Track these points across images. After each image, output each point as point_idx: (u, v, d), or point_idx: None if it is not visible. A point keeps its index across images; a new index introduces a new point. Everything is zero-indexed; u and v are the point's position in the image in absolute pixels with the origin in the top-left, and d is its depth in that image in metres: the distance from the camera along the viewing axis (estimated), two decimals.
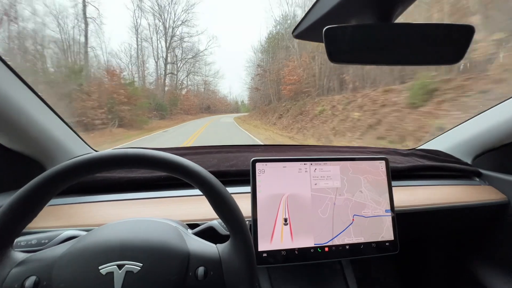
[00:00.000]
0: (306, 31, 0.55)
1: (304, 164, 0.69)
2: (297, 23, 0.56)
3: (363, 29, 0.42)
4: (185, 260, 0.41)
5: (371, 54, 0.43)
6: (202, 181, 0.43)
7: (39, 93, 0.69)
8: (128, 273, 0.38)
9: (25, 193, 0.38)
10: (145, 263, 0.39)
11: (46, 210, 0.70)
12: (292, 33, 0.59)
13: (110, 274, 0.38)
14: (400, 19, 0.44)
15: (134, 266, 0.38)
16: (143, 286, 0.38)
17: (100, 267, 0.38)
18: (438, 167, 0.98)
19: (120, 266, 0.38)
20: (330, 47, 0.42)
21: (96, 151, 0.94)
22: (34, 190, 0.38)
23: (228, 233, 0.58)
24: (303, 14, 0.53)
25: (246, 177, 0.76)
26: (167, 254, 0.41)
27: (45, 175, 0.38)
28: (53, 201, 0.72)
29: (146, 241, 0.41)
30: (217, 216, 0.61)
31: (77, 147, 0.86)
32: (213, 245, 0.46)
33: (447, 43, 0.41)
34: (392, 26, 0.41)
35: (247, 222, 0.46)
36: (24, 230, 0.42)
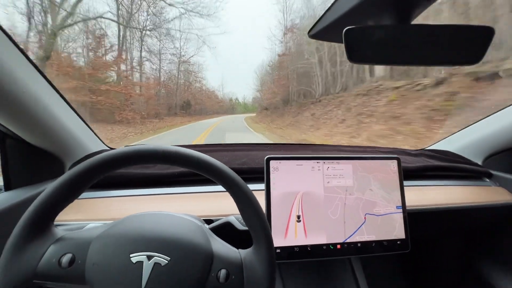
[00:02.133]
0: (323, 31, 0.56)
1: (317, 162, 0.70)
2: (314, 23, 0.57)
3: (382, 30, 0.43)
4: (209, 261, 0.42)
5: (390, 54, 0.44)
6: (235, 187, 0.44)
7: (60, 91, 0.71)
8: (156, 264, 0.39)
9: (71, 176, 0.41)
10: (173, 257, 0.40)
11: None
12: (308, 33, 0.60)
13: (140, 263, 0.39)
14: (418, 20, 0.45)
15: (162, 258, 0.40)
16: (168, 279, 0.39)
17: (131, 255, 0.39)
18: (448, 168, 0.98)
19: (149, 257, 0.40)
20: (350, 48, 0.43)
21: (110, 148, 0.96)
22: (80, 174, 0.41)
23: (245, 228, 0.59)
24: (321, 14, 0.55)
25: (258, 175, 0.77)
26: (193, 252, 0.42)
27: (91, 161, 0.41)
28: None
29: (175, 236, 0.43)
30: (232, 212, 0.63)
31: (93, 144, 0.88)
32: (236, 249, 0.47)
33: (466, 44, 0.42)
34: (411, 27, 0.42)
35: None
36: None
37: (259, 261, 0.43)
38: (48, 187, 0.40)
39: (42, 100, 0.64)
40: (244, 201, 0.44)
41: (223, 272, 0.42)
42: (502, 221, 0.94)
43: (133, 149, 0.42)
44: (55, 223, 0.62)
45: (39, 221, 0.40)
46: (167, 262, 0.40)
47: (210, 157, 0.44)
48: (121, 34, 16.60)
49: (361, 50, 0.43)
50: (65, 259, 0.39)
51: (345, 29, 0.43)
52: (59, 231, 0.43)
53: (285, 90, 19.15)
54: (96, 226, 0.49)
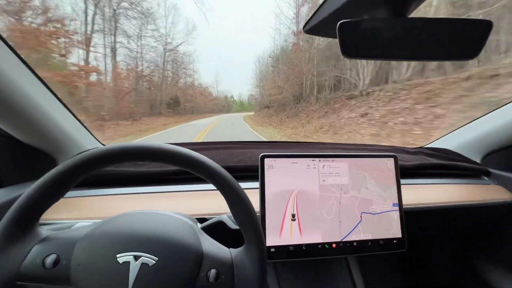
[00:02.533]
0: (317, 26, 0.55)
1: (313, 160, 0.69)
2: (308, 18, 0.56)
3: (378, 24, 0.42)
4: (199, 260, 0.42)
5: (386, 49, 0.42)
6: (226, 185, 0.43)
7: (52, 88, 0.70)
8: (144, 265, 0.38)
9: (57, 173, 0.39)
10: (161, 257, 0.39)
11: (57, 203, 0.72)
12: (303, 28, 0.58)
13: (127, 263, 0.38)
14: (414, 14, 0.44)
15: (150, 259, 0.39)
16: (156, 279, 0.39)
17: (117, 255, 0.38)
18: (446, 166, 0.97)
19: (136, 257, 0.39)
20: (344, 42, 0.42)
21: (104, 145, 0.95)
22: (66, 171, 0.40)
23: (236, 227, 0.58)
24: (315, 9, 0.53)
25: (253, 173, 0.76)
26: (182, 252, 0.41)
27: (77, 158, 0.40)
28: None
29: (164, 236, 0.42)
30: (225, 211, 0.62)
31: (87, 142, 0.87)
32: (227, 248, 0.46)
33: (463, 38, 0.40)
34: (407, 20, 0.41)
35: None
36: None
37: (250, 260, 0.43)
38: (31, 186, 0.39)
39: (32, 97, 0.63)
40: (235, 200, 0.43)
41: (213, 272, 0.41)
42: (500, 220, 0.94)
43: (120, 146, 0.41)
44: (43, 221, 0.61)
45: (22, 221, 0.39)
46: (154, 262, 0.39)
47: (201, 155, 0.43)
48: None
49: (356, 45, 0.42)
50: (49, 259, 0.38)
51: (339, 22, 0.41)
52: (43, 231, 0.42)
53: (296, 84, 14.85)
54: (83, 225, 0.48)
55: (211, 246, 0.45)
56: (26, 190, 0.39)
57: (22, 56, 0.60)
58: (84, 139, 0.86)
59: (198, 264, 0.41)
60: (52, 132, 0.71)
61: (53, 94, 0.72)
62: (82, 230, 0.42)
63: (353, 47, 0.42)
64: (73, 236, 0.41)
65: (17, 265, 0.37)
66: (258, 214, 0.64)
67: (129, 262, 0.38)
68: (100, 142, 0.96)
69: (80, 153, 0.82)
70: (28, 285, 0.38)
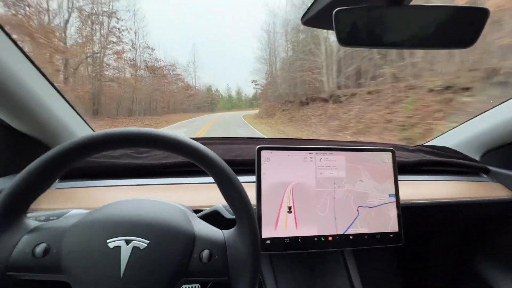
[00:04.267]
0: (315, 18, 0.54)
1: (310, 153, 0.69)
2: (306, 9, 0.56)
3: (374, 11, 0.41)
4: (191, 242, 0.42)
5: (382, 37, 0.42)
6: (212, 165, 0.43)
7: (47, 75, 0.70)
8: (135, 248, 0.38)
9: (44, 161, 0.39)
10: (152, 240, 0.39)
11: (53, 193, 0.72)
12: (301, 20, 0.58)
13: (118, 248, 0.38)
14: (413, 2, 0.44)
15: (141, 242, 0.39)
16: (148, 262, 0.39)
17: (108, 241, 0.38)
18: (445, 163, 0.97)
19: (127, 242, 0.39)
20: (340, 30, 0.42)
21: None
22: (52, 160, 0.39)
23: (232, 217, 0.58)
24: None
25: (251, 167, 0.76)
26: (174, 234, 0.41)
27: (65, 145, 0.39)
28: (60, 184, 0.73)
29: (155, 219, 0.42)
30: (221, 203, 0.62)
31: (81, 130, 0.87)
32: (219, 230, 0.46)
33: (460, 26, 0.40)
34: (404, 8, 0.41)
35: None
36: (32, 210, 0.43)
37: (243, 240, 0.43)
38: (15, 178, 0.38)
39: (29, 86, 0.63)
40: (224, 180, 0.43)
41: (205, 252, 0.41)
42: (499, 217, 0.93)
43: (106, 133, 0.40)
44: (36, 211, 0.61)
45: (8, 212, 0.38)
46: (146, 245, 0.39)
47: (188, 138, 0.43)
48: None
49: (352, 33, 0.42)
50: (39, 249, 0.38)
51: (335, 10, 0.41)
52: (32, 222, 0.42)
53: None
54: (75, 213, 0.48)
55: (203, 227, 0.45)
56: (10, 182, 0.39)
57: (18, 43, 0.60)
58: (80, 129, 0.86)
59: (191, 246, 0.41)
60: (48, 121, 0.71)
61: (50, 83, 0.72)
62: (72, 219, 0.42)
63: (349, 35, 0.42)
64: (62, 225, 0.41)
65: (6, 256, 0.37)
66: (254, 207, 0.64)
67: (120, 246, 0.38)
68: (94, 131, 0.96)
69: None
70: (19, 275, 0.38)
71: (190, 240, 0.42)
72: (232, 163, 0.84)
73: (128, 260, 0.38)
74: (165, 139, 0.42)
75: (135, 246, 0.38)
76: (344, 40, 0.42)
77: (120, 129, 0.41)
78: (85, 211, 0.53)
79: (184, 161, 0.71)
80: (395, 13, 0.41)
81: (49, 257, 0.38)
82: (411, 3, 0.41)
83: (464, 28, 0.40)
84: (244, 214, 0.43)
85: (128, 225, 0.40)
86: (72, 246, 0.39)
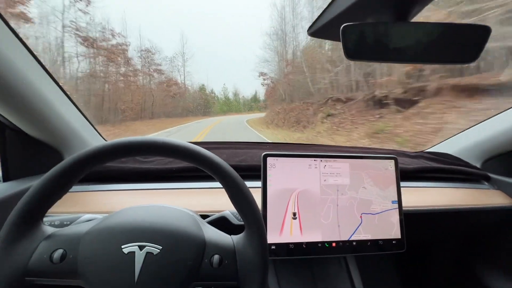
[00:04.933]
0: (321, 29, 0.56)
1: (314, 160, 0.70)
2: (313, 21, 0.57)
3: (380, 27, 0.43)
4: (202, 247, 0.43)
5: (388, 52, 0.44)
6: (222, 172, 0.44)
7: (60, 84, 0.72)
8: (148, 254, 0.40)
9: (60, 170, 0.40)
10: (164, 246, 0.41)
11: (63, 197, 0.73)
12: (308, 31, 0.60)
13: (132, 253, 0.39)
14: (417, 18, 0.45)
15: (154, 248, 0.40)
16: (161, 267, 0.40)
17: (122, 246, 0.40)
18: (446, 170, 0.98)
19: (141, 247, 0.40)
20: (347, 45, 0.43)
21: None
22: (68, 168, 0.40)
23: (240, 223, 0.59)
24: (319, 13, 0.55)
25: (255, 172, 0.77)
26: (185, 240, 0.43)
27: (80, 154, 0.41)
28: None
29: (166, 226, 0.43)
30: (229, 208, 0.63)
31: (92, 138, 0.89)
32: (228, 235, 0.47)
33: (463, 43, 0.42)
34: (409, 24, 0.42)
35: None
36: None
37: (251, 245, 0.44)
38: (35, 184, 0.40)
39: (42, 92, 0.65)
40: (233, 187, 0.45)
41: (216, 257, 0.43)
42: (500, 224, 0.94)
43: (120, 142, 0.42)
44: (49, 214, 0.62)
45: (29, 218, 0.40)
46: (159, 251, 0.40)
47: (197, 146, 0.45)
48: None
49: (358, 48, 0.44)
50: (56, 254, 0.39)
51: (343, 25, 0.43)
52: (49, 228, 0.43)
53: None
54: (87, 218, 0.50)
55: (213, 233, 0.46)
56: (30, 188, 0.40)
57: (34, 52, 0.62)
58: (89, 135, 0.88)
59: (201, 251, 0.43)
60: (59, 127, 0.73)
61: (62, 90, 0.74)
62: (87, 225, 0.44)
63: (356, 50, 0.44)
64: (78, 231, 0.42)
65: (25, 261, 0.38)
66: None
67: (134, 252, 0.39)
68: (104, 139, 0.98)
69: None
70: (36, 281, 0.39)
71: (201, 245, 0.43)
72: (237, 168, 0.86)
73: (142, 266, 0.39)
74: (175, 147, 0.43)
75: (149, 252, 0.40)
76: (352, 54, 0.44)
77: (133, 138, 0.43)
78: (97, 216, 0.54)
79: (190, 166, 0.73)
80: (401, 29, 0.42)
81: (66, 262, 0.39)
82: (416, 20, 0.42)
83: (466, 45, 0.42)
84: (252, 220, 0.44)
85: (142, 231, 0.41)
86: (88, 252, 0.40)
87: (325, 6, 0.52)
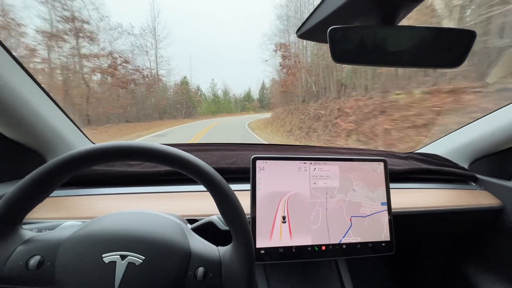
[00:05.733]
0: (310, 31, 0.56)
1: (304, 163, 0.70)
2: (301, 23, 0.57)
3: (367, 31, 0.43)
4: (186, 259, 0.42)
5: (374, 55, 0.43)
6: (211, 182, 0.43)
7: (42, 86, 0.69)
8: (130, 264, 0.38)
9: (41, 172, 0.39)
10: (147, 256, 0.39)
11: (45, 202, 0.70)
12: (296, 32, 0.59)
13: (113, 263, 0.38)
14: (403, 22, 0.45)
15: (136, 258, 0.39)
16: (143, 279, 0.38)
17: (103, 255, 0.38)
18: (435, 171, 0.99)
19: (123, 257, 0.38)
20: (334, 47, 0.43)
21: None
22: (50, 171, 0.39)
23: (226, 228, 0.58)
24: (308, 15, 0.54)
25: (245, 175, 0.76)
26: (169, 251, 0.41)
27: (60, 159, 0.39)
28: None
29: (151, 235, 0.42)
30: (216, 212, 0.62)
31: (77, 140, 0.86)
32: (215, 247, 0.46)
33: (448, 47, 0.42)
34: (395, 28, 0.42)
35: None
36: (24, 221, 0.43)
37: (238, 258, 0.43)
38: (13, 187, 0.38)
39: (23, 95, 0.62)
40: (222, 197, 0.43)
41: (200, 270, 0.41)
42: (487, 225, 0.96)
43: (105, 146, 0.40)
44: (28, 221, 0.60)
45: (4, 222, 0.38)
46: (141, 261, 0.39)
47: (187, 153, 0.43)
48: None
49: (345, 50, 0.43)
50: (33, 261, 0.37)
51: (330, 28, 0.42)
52: (27, 233, 0.41)
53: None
54: (68, 225, 0.48)
55: (199, 244, 0.45)
56: (7, 191, 0.38)
57: (13, 53, 0.59)
58: (75, 138, 0.85)
59: (186, 263, 0.41)
60: (42, 130, 0.70)
61: (45, 93, 0.71)
62: (67, 231, 0.42)
63: (342, 53, 0.43)
64: (57, 237, 0.41)
65: (0, 267, 0.36)
66: (248, 216, 0.64)
67: (115, 261, 0.38)
68: (91, 141, 0.95)
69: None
70: (11, 287, 0.37)
71: (186, 256, 0.42)
72: (227, 171, 0.85)
73: (123, 276, 0.38)
74: (164, 154, 0.42)
75: (130, 262, 0.38)
76: (339, 57, 0.43)
77: (118, 143, 0.41)
78: (79, 222, 0.53)
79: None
80: (387, 33, 0.42)
81: (43, 270, 0.38)
82: (403, 24, 0.42)
83: (452, 49, 0.42)
84: (240, 233, 0.43)
85: (124, 240, 0.40)
86: (67, 260, 0.38)
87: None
